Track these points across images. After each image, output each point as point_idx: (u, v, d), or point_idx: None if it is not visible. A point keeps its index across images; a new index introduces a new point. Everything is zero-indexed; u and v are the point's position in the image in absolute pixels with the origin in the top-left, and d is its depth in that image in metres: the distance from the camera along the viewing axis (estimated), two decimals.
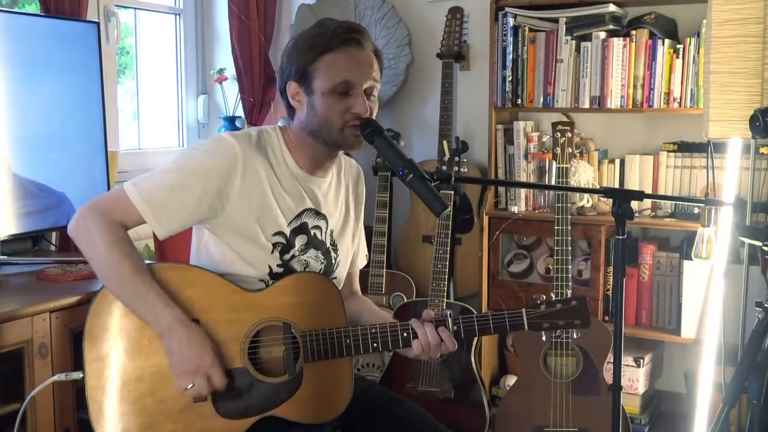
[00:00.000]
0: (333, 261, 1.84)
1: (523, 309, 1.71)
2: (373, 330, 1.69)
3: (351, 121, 1.68)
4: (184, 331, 1.60)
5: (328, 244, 1.82)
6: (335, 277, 1.85)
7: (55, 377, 1.75)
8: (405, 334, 1.70)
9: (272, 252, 1.72)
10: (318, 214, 1.79)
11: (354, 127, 1.69)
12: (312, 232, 1.78)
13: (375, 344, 1.69)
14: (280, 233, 1.73)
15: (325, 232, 1.82)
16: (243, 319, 1.66)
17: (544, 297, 1.72)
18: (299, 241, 1.76)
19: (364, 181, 1.97)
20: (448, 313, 1.73)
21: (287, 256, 1.75)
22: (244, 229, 1.69)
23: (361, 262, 2.02)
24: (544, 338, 1.83)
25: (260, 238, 1.70)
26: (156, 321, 1.61)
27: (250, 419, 1.65)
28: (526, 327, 1.71)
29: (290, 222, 1.74)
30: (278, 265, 1.73)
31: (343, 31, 1.68)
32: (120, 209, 1.64)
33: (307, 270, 1.77)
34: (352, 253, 1.94)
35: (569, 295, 2.69)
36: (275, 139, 1.76)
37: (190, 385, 1.61)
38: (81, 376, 1.63)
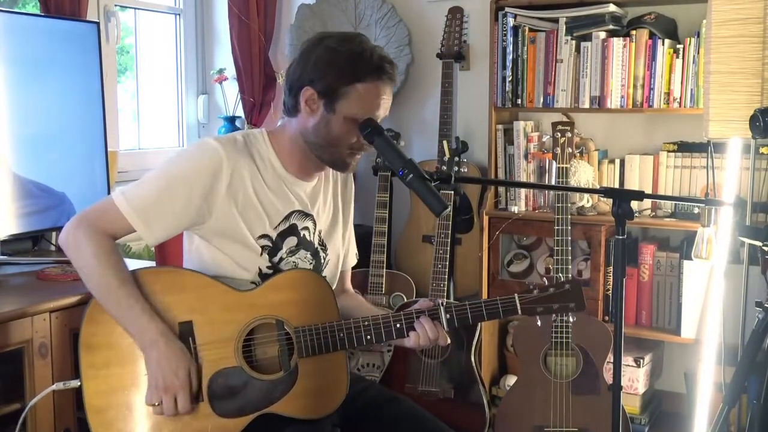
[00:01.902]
0: (322, 261, 1.85)
1: (516, 295, 1.71)
2: (366, 322, 1.70)
3: (357, 150, 1.73)
4: (165, 347, 1.60)
5: (316, 245, 1.83)
6: (325, 276, 1.85)
7: (54, 387, 1.75)
8: (398, 326, 1.71)
9: (261, 254, 1.73)
10: (306, 215, 1.80)
11: (357, 154, 1.74)
12: (302, 233, 1.79)
13: (368, 336, 1.70)
14: (265, 236, 1.74)
15: (314, 233, 1.83)
16: (236, 319, 1.67)
17: (538, 283, 1.72)
18: (287, 244, 1.76)
19: (353, 181, 1.98)
20: (440, 302, 1.73)
21: (275, 259, 1.75)
22: (232, 231, 1.70)
23: (352, 260, 2.03)
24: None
25: (249, 239, 1.71)
26: (140, 333, 1.61)
27: (247, 417, 1.66)
28: (519, 312, 1.71)
29: (277, 225, 1.75)
30: (267, 267, 1.75)
31: (382, 62, 1.68)
32: (109, 219, 1.65)
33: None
34: (343, 252, 1.95)
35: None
36: (261, 142, 1.76)
37: (157, 403, 1.61)
38: (79, 384, 1.64)
